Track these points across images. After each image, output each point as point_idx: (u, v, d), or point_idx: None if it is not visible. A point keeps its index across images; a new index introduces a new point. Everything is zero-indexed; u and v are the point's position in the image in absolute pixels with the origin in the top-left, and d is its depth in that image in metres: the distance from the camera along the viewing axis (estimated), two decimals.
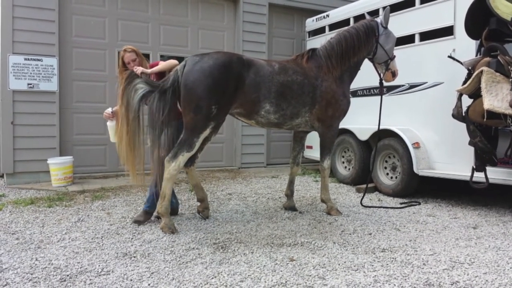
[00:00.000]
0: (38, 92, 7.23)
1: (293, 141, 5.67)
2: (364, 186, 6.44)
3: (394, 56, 5.42)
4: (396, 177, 6.57)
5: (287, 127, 5.15)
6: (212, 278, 3.33)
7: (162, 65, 4.98)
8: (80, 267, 3.52)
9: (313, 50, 5.25)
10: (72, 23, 7.67)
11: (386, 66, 5.39)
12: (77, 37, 7.71)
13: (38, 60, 7.20)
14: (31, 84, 7.17)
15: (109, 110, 4.99)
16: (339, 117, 5.26)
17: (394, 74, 5.42)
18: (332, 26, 8.21)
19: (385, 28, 5.31)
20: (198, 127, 4.47)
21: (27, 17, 7.08)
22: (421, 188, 6.61)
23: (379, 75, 5.50)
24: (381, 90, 5.66)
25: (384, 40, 5.30)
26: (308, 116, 5.10)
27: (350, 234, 4.55)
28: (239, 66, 4.61)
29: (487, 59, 5.00)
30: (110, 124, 4.94)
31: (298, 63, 5.11)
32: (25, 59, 7.11)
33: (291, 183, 5.62)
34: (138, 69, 4.78)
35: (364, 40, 5.21)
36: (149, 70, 4.89)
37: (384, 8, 6.85)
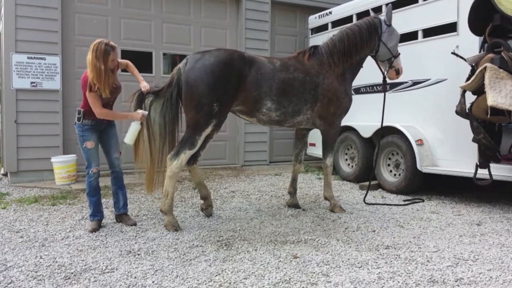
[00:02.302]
0: (41, 91, 7.24)
1: (295, 138, 5.66)
2: (367, 183, 6.44)
3: (399, 54, 5.38)
4: (399, 174, 6.56)
5: (288, 124, 5.15)
6: (216, 275, 3.34)
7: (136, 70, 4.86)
8: (84, 265, 3.54)
9: (315, 47, 5.24)
10: (75, 21, 7.67)
11: (389, 63, 5.36)
12: (80, 35, 7.71)
13: (41, 58, 7.21)
14: (34, 82, 7.18)
15: (142, 111, 4.54)
16: (341, 114, 5.25)
17: (398, 72, 5.39)
18: (335, 23, 8.18)
19: (389, 25, 5.28)
20: (200, 124, 4.48)
21: (30, 16, 7.09)
22: (425, 185, 6.59)
23: (382, 72, 5.48)
24: (384, 88, 5.64)
25: (387, 38, 5.26)
26: (310, 114, 5.09)
27: (354, 231, 4.54)
28: (240, 63, 4.61)
29: (490, 55, 4.98)
30: (136, 127, 4.50)
31: (300, 60, 5.10)
32: (28, 58, 7.12)
33: (294, 181, 5.61)
34: (146, 87, 4.62)
35: (367, 38, 5.19)
36: (145, 84, 4.66)
37: (387, 5, 6.83)
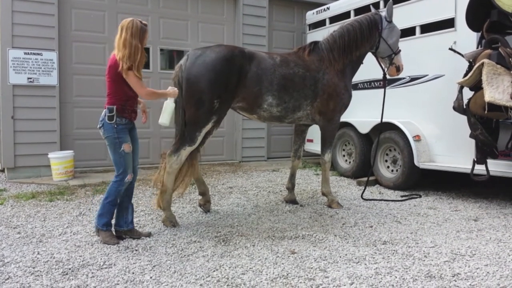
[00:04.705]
0: (38, 86, 7.21)
1: (294, 134, 5.67)
2: (365, 179, 6.45)
3: (399, 51, 5.36)
4: (396, 170, 6.57)
5: (288, 120, 5.16)
6: (214, 271, 3.34)
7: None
8: (82, 261, 3.54)
9: (315, 43, 5.25)
10: (72, 17, 7.63)
11: (390, 60, 5.34)
12: (76, 31, 7.67)
13: (38, 54, 7.17)
14: (31, 78, 7.14)
15: (174, 88, 4.26)
16: (340, 110, 5.25)
17: (398, 69, 5.36)
18: (333, 19, 8.17)
19: (389, 22, 5.27)
20: (200, 121, 4.48)
21: (27, 11, 7.04)
22: (422, 181, 6.61)
23: (383, 69, 5.47)
24: (384, 84, 5.62)
25: (388, 34, 5.25)
26: (310, 109, 5.10)
27: (351, 227, 4.56)
28: (241, 59, 4.61)
29: (488, 51, 4.98)
30: (172, 105, 4.16)
31: (300, 56, 5.11)
32: (25, 53, 7.08)
33: (292, 177, 5.62)
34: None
35: (367, 34, 5.18)
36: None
37: (386, 0, 6.83)
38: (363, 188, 6.16)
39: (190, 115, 4.51)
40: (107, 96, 3.95)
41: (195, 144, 4.54)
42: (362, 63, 5.45)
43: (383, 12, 5.34)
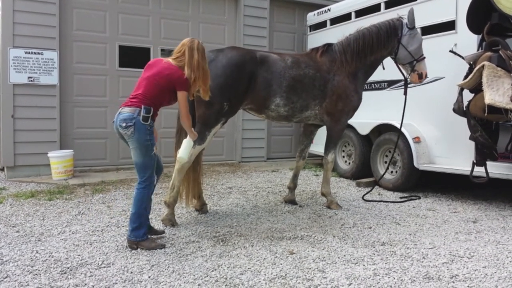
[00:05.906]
0: (39, 86, 7.21)
1: (302, 134, 5.72)
2: (364, 180, 6.45)
3: (423, 57, 5.25)
4: (396, 172, 6.57)
5: (296, 119, 5.23)
6: (212, 271, 3.34)
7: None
8: (81, 260, 3.54)
9: (329, 45, 5.29)
10: (73, 16, 7.64)
11: (411, 67, 5.26)
12: (77, 30, 7.68)
13: (39, 53, 7.18)
14: (31, 77, 7.15)
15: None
16: (348, 112, 5.26)
17: (421, 76, 5.25)
18: (334, 21, 8.16)
19: (410, 28, 5.17)
20: (209, 121, 4.59)
21: (28, 10, 7.05)
22: (421, 183, 6.61)
23: (403, 75, 5.41)
24: (405, 90, 5.50)
25: (408, 41, 5.16)
26: (318, 110, 5.15)
27: (350, 227, 4.56)
28: (251, 65, 4.72)
29: (488, 53, 4.99)
30: (191, 144, 4.45)
31: (312, 57, 5.19)
32: (26, 52, 7.08)
33: (295, 177, 5.62)
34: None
35: (384, 39, 5.14)
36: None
37: (386, 2, 6.83)
38: (368, 189, 6.19)
39: (200, 115, 4.61)
40: (141, 95, 3.73)
41: (205, 144, 4.64)
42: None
43: (404, 18, 5.25)
